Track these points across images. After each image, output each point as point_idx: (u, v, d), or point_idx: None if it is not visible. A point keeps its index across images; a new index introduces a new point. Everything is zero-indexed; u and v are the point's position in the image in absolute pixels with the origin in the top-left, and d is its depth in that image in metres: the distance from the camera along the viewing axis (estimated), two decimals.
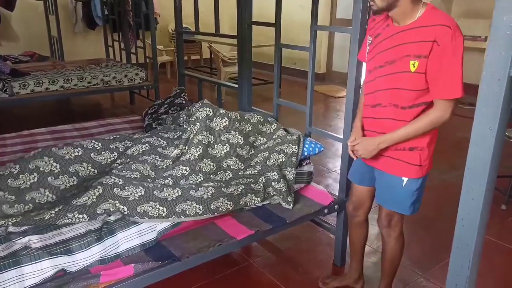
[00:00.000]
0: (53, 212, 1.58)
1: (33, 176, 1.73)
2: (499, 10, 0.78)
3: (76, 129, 2.80)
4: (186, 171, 1.92)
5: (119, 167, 1.84)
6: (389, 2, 1.44)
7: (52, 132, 2.70)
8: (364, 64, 1.73)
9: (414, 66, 1.42)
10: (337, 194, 2.17)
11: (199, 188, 1.79)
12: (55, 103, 5.35)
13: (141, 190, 1.69)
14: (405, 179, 1.59)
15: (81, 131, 2.77)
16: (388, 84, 1.52)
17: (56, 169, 1.79)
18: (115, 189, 1.66)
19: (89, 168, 1.87)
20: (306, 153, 2.12)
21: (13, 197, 1.66)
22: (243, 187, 1.88)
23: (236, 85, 2.98)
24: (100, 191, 1.65)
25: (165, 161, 1.97)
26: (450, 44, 1.35)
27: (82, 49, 6.56)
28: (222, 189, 1.83)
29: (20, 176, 1.72)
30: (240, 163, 2.05)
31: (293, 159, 2.03)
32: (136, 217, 1.62)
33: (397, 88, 1.50)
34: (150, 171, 1.89)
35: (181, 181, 1.88)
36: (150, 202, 1.67)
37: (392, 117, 1.55)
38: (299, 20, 6.32)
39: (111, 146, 1.98)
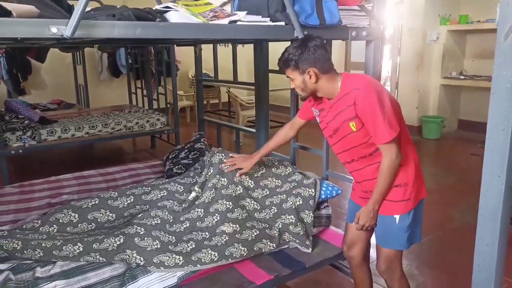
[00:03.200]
0: (76, 252, 1.68)
1: (52, 228, 1.86)
2: (498, 65, 0.84)
3: (100, 174, 2.90)
4: (201, 213, 1.96)
5: (140, 215, 1.90)
6: (308, 92, 1.69)
7: (77, 177, 2.80)
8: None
9: (354, 127, 1.63)
10: None
11: (213, 238, 1.83)
12: (79, 148, 5.54)
13: (157, 243, 1.74)
14: (397, 217, 1.69)
15: (105, 176, 2.87)
16: (345, 146, 1.72)
17: (75, 218, 1.89)
18: (136, 239, 1.72)
19: (107, 213, 1.95)
20: (323, 196, 2.14)
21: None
22: (258, 232, 1.90)
23: (254, 130, 3.07)
24: (122, 240, 1.71)
25: (182, 205, 2.03)
26: (364, 101, 1.57)
27: (106, 96, 6.85)
28: (236, 235, 1.86)
29: (41, 228, 1.85)
30: (255, 203, 2.07)
31: (310, 202, 2.06)
32: (152, 266, 1.66)
33: (354, 147, 1.69)
34: (169, 215, 1.94)
35: (197, 223, 1.92)
36: (167, 252, 1.72)
37: (367, 164, 1.71)
38: None
39: (127, 193, 2.06)
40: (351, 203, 1.92)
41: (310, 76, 1.63)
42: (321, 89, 1.68)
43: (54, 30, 1.18)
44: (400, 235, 1.70)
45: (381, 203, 1.69)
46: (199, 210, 1.98)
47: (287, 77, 1.70)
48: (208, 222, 1.93)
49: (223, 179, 2.08)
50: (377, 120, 1.56)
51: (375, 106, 1.55)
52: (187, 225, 1.91)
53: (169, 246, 1.75)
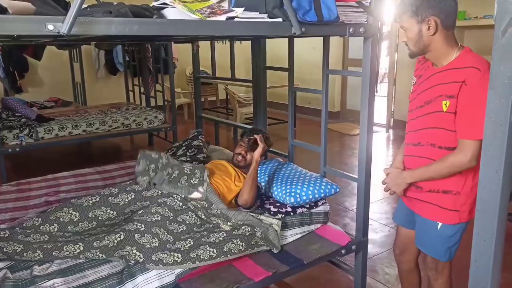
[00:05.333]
0: (76, 252, 1.67)
1: (53, 227, 1.84)
2: (496, 61, 0.84)
3: (97, 172, 2.90)
4: (198, 221, 1.96)
5: (140, 212, 1.90)
6: (420, 47, 1.54)
7: (75, 175, 2.80)
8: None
9: (446, 106, 1.46)
10: (354, 234, 2.17)
11: (211, 235, 1.83)
12: (76, 146, 5.53)
13: (156, 241, 1.73)
14: (439, 224, 1.57)
15: (103, 174, 2.86)
16: (426, 124, 1.57)
17: (76, 217, 1.88)
18: (136, 235, 1.72)
19: (108, 211, 1.94)
20: (322, 195, 2.14)
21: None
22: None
23: (252, 127, 3.06)
24: (122, 237, 1.71)
25: (181, 202, 2.03)
26: (477, 84, 1.37)
27: (104, 94, 6.83)
28: (233, 232, 1.86)
29: (41, 227, 1.82)
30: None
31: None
32: (151, 264, 1.66)
33: (434, 128, 1.54)
34: (169, 212, 1.94)
35: (194, 228, 1.92)
36: (165, 250, 1.71)
37: (428, 157, 1.57)
38: (312, 60, 6.49)
39: (127, 189, 2.05)
40: (401, 203, 1.81)
41: (429, 27, 1.46)
42: (434, 48, 1.51)
43: (50, 27, 1.17)
44: (438, 244, 1.60)
45: (415, 182, 1.59)
46: (195, 217, 1.98)
47: (401, 27, 1.56)
48: (205, 227, 1.94)
49: (203, 202, 2.04)
50: (479, 110, 1.28)
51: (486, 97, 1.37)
52: (184, 228, 1.91)
53: (167, 245, 1.76)
